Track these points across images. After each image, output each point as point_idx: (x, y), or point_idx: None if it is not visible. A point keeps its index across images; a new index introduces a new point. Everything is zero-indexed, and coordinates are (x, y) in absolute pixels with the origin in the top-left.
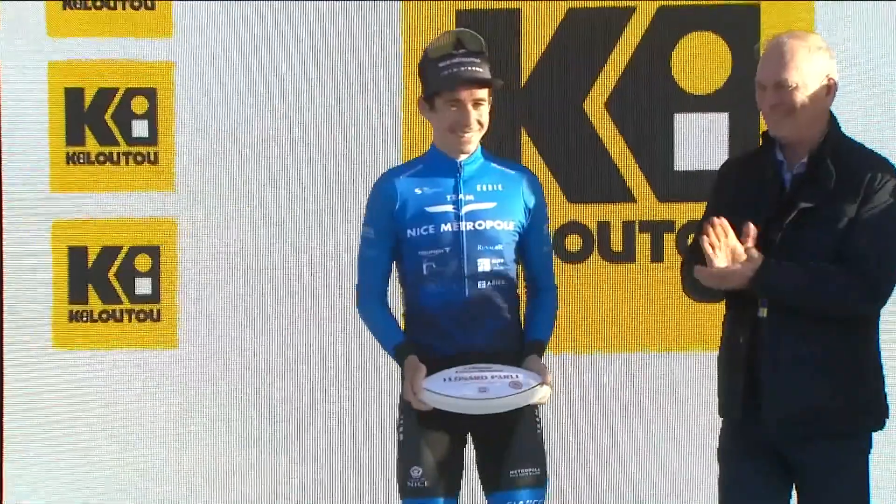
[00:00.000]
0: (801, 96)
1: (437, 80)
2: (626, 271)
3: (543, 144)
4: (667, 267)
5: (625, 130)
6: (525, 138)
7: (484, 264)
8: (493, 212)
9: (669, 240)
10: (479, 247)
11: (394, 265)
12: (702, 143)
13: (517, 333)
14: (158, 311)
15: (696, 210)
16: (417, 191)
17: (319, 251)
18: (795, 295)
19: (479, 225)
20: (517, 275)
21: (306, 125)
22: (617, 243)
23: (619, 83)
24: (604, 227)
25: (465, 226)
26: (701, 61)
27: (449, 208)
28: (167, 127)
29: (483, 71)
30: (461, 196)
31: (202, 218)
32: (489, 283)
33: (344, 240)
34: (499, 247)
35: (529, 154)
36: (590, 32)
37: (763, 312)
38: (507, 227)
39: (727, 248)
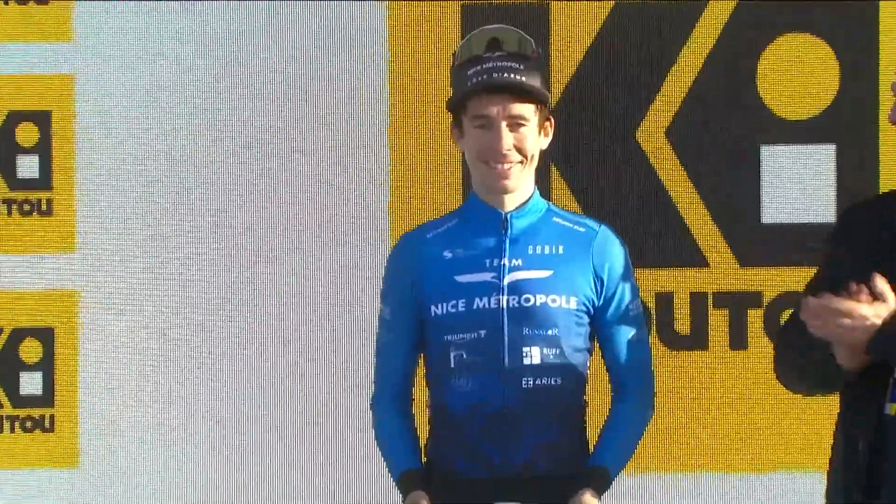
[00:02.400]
0: None
1: (462, 90)
2: (696, 361)
3: (580, 187)
4: (751, 356)
5: (693, 168)
6: (555, 178)
7: (532, 355)
8: (547, 282)
9: (755, 318)
10: (527, 330)
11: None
12: (799, 185)
13: (578, 452)
14: (51, 417)
15: (791, 277)
16: (447, 254)
17: (277, 332)
18: None
19: (527, 300)
20: (586, 370)
21: (262, 158)
22: (683, 323)
23: (684, 105)
24: (665, 300)
25: (508, 301)
26: (798, 74)
27: (486, 277)
28: (65, 165)
29: (524, 78)
30: (505, 261)
31: (112, 289)
32: (538, 380)
33: (316, 309)
34: (553, 331)
35: (560, 199)
36: (643, 37)
37: (892, 409)
38: (566, 303)
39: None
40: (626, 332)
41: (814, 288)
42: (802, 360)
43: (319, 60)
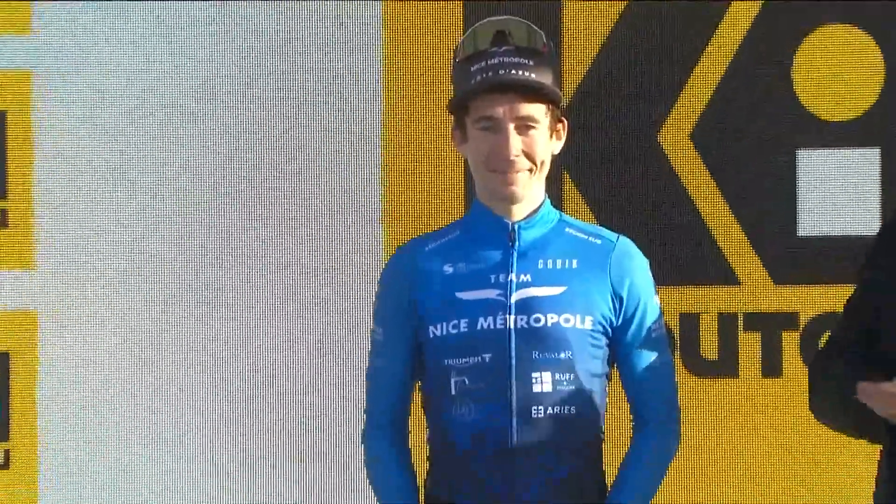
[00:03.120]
0: None
1: (464, 89)
2: (724, 390)
3: (595, 196)
4: (787, 384)
5: (721, 175)
6: (568, 187)
7: (543, 381)
8: (559, 300)
9: (791, 342)
10: (537, 353)
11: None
12: (840, 193)
13: (595, 490)
14: (6, 452)
15: (830, 296)
16: (447, 268)
17: (254, 355)
18: None
19: (537, 320)
20: (604, 398)
21: (239, 165)
22: (710, 347)
23: (710, 105)
24: (690, 322)
25: (516, 321)
26: (839, 70)
27: (491, 294)
28: (21, 171)
29: (534, 74)
30: (512, 276)
31: (74, 309)
32: (550, 410)
33: (296, 333)
34: (566, 354)
35: (574, 209)
36: (664, 30)
37: None
38: (581, 323)
39: None
40: (649, 356)
41: (850, 315)
42: (839, 400)
43: (308, 62)
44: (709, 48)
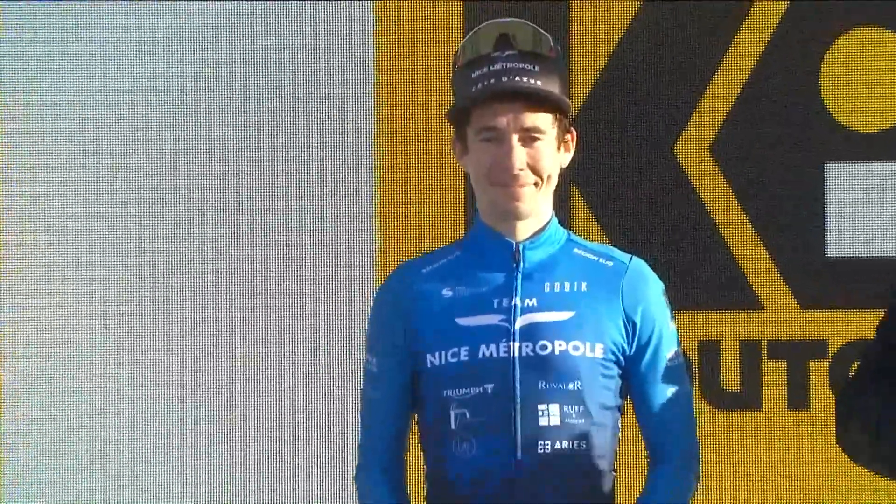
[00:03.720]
0: None
1: (464, 97)
2: (747, 423)
3: (606, 213)
4: (814, 418)
5: (742, 191)
6: (577, 202)
7: (550, 413)
8: (567, 326)
9: (819, 372)
10: (543, 384)
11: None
12: (872, 210)
13: None
14: None
15: (861, 322)
16: (446, 292)
17: (232, 380)
18: None
19: (544, 347)
20: (616, 433)
21: (231, 170)
22: (731, 377)
23: (731, 114)
24: (710, 349)
25: (521, 348)
26: (869, 77)
27: (494, 319)
28: None
29: (540, 81)
30: (516, 300)
31: (35, 327)
32: (558, 445)
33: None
34: (575, 385)
35: (582, 227)
36: (680, 35)
37: None
38: (591, 351)
39: None
40: (665, 387)
41: (882, 341)
42: (871, 435)
43: (296, 66)
44: (730, 52)
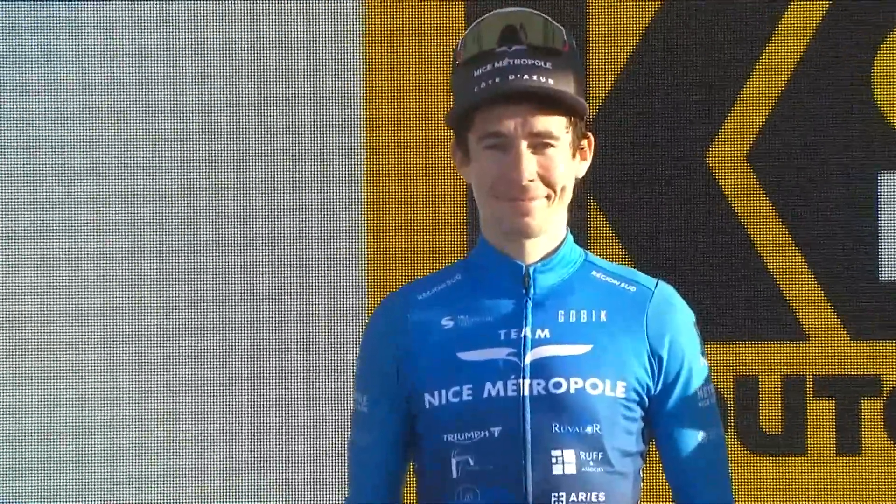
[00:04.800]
0: None
1: (466, 98)
2: (790, 471)
3: (629, 230)
4: (866, 464)
5: (784, 205)
6: (595, 216)
7: (565, 461)
8: (584, 361)
9: (871, 411)
10: (557, 427)
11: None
12: None
13: None
14: None
15: None
16: (446, 322)
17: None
18: None
19: (558, 385)
20: (639, 482)
21: (215, 172)
22: (772, 418)
23: (770, 120)
24: (747, 386)
25: (532, 387)
26: None
27: (500, 353)
28: None
29: (552, 80)
30: (526, 331)
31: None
32: (574, 496)
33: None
34: (594, 428)
35: (601, 247)
36: (712, 32)
37: None
38: (611, 390)
39: None
40: (695, 433)
41: None
42: None
43: (284, 63)
44: (768, 50)
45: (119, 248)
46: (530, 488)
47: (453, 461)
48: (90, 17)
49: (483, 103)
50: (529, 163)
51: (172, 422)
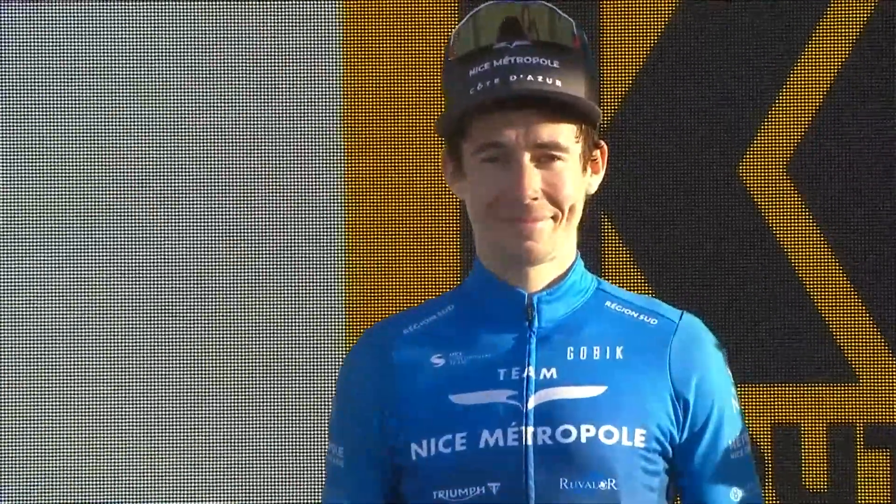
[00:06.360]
0: None
1: (460, 102)
2: None
3: (649, 254)
4: None
5: (828, 224)
6: (608, 239)
7: None
8: (598, 405)
9: None
10: (566, 482)
11: None
12: None
13: None
14: None
15: None
16: (436, 360)
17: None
18: None
19: (567, 434)
20: None
21: (198, 173)
22: (817, 472)
23: (811, 129)
24: (787, 436)
25: (536, 435)
26: None
27: (500, 396)
28: None
29: (560, 81)
30: (530, 370)
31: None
32: None
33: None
34: (609, 483)
35: (616, 271)
36: (743, 30)
37: None
38: (629, 439)
39: None
40: (727, 488)
41: None
42: None
43: (263, 63)
44: (807, 52)
45: (92, 253)
46: None
47: None
48: (70, 18)
49: (480, 109)
50: (533, 178)
51: (156, 424)
